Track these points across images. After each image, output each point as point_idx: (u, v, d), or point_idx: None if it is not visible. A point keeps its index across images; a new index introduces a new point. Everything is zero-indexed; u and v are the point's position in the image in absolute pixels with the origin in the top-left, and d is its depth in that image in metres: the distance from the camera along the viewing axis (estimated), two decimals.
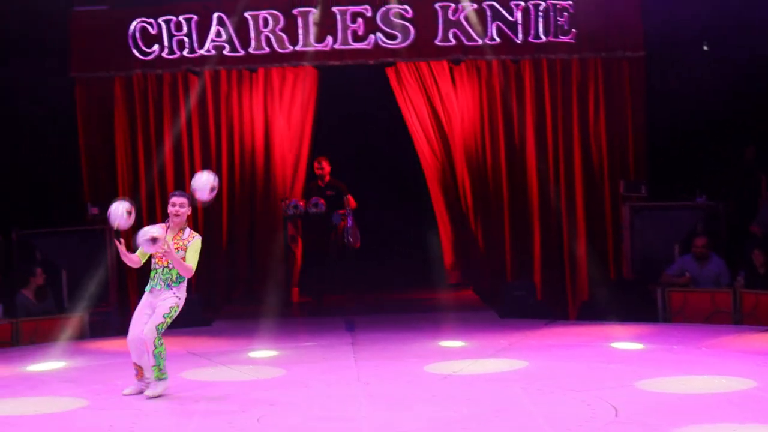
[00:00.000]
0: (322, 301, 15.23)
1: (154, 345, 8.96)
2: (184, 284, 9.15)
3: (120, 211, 8.99)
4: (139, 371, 9.16)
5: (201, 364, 10.65)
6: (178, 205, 9.08)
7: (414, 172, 15.96)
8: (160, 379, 9.07)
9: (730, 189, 14.68)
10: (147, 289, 9.18)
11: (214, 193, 9.18)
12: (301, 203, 14.92)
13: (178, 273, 9.03)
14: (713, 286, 13.08)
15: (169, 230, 9.11)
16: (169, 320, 9.04)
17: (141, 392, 9.14)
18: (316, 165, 15.30)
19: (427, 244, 16.01)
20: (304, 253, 15.73)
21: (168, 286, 9.05)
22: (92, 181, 15.31)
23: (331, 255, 15.07)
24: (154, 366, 9.02)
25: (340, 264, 15.10)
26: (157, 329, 8.96)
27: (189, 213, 9.19)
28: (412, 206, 16.58)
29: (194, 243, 9.09)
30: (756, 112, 15.00)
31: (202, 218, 15.00)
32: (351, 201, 14.95)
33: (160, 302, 9.04)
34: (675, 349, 10.60)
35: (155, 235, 8.86)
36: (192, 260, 9.05)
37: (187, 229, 9.15)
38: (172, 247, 8.95)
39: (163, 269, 9.04)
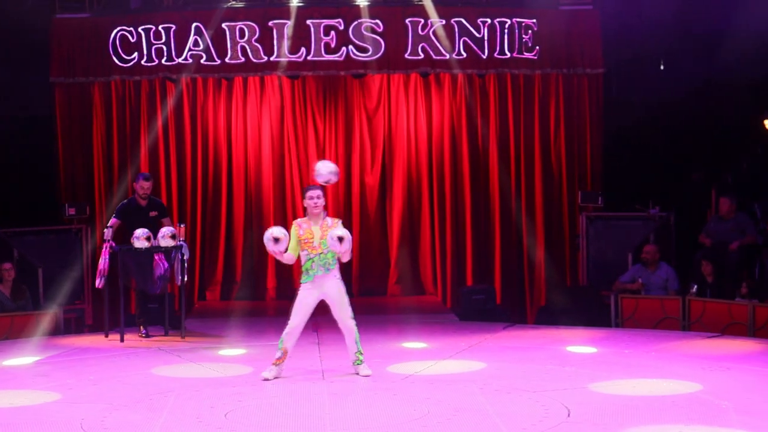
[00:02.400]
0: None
1: (355, 332, 9.52)
2: (338, 264, 9.50)
3: (276, 235, 9.30)
4: (284, 356, 9.51)
5: (171, 361, 10.74)
6: (315, 198, 9.39)
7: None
8: (362, 361, 9.63)
9: (681, 202, 15.03)
10: (308, 279, 9.44)
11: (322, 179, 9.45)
12: (149, 233, 12.06)
13: (333, 255, 9.37)
14: (662, 292, 13.36)
15: (312, 222, 9.43)
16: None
17: (277, 377, 9.49)
18: (142, 183, 12.59)
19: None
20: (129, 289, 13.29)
21: (327, 269, 9.41)
22: (69, 182, 15.59)
23: (158, 295, 12.65)
24: (357, 352, 9.57)
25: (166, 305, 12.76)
26: (352, 318, 9.50)
27: (324, 204, 9.43)
28: None
29: (340, 226, 9.41)
30: (705, 129, 15.43)
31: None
32: (182, 230, 12.49)
33: (330, 292, 9.44)
34: (626, 353, 10.78)
35: (276, 235, 9.24)
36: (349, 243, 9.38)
37: (328, 218, 9.47)
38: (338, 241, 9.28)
39: (318, 256, 9.38)
